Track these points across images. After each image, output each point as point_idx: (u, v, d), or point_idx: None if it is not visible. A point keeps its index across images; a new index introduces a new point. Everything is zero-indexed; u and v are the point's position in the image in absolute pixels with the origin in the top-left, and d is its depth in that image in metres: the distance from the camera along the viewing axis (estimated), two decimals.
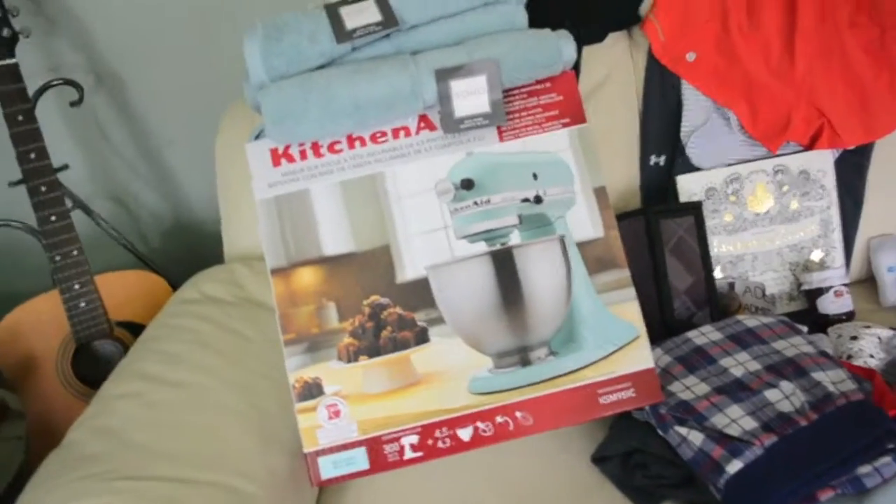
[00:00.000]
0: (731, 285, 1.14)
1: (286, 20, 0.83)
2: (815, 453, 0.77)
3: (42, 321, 1.26)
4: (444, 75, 0.82)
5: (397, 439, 0.84)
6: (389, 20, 0.82)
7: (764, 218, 1.14)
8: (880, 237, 1.18)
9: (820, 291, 1.11)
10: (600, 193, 0.88)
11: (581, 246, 0.87)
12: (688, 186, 1.13)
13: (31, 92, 1.20)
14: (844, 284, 1.11)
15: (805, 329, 0.98)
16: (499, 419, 0.84)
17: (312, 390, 0.85)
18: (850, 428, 0.79)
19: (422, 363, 0.85)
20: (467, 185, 0.85)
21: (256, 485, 0.83)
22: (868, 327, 1.04)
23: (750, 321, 0.98)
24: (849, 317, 1.11)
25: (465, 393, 0.84)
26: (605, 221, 0.87)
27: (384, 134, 0.88)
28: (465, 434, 0.84)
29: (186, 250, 1.63)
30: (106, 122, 1.46)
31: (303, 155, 0.88)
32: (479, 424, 0.84)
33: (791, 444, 0.79)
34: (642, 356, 0.85)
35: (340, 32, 0.81)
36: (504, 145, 0.88)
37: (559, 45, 0.84)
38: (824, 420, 0.82)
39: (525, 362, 0.85)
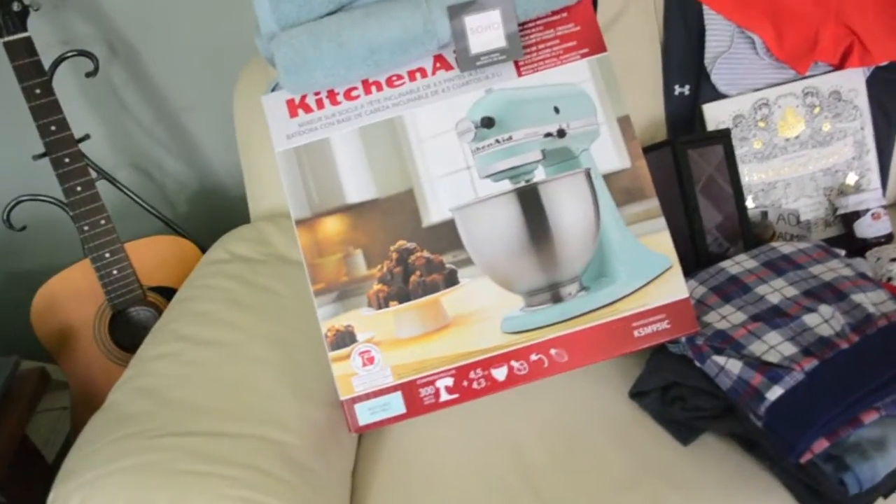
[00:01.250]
0: (765, 214, 1.12)
1: None
2: (858, 376, 0.76)
3: (77, 291, 1.27)
4: (458, 11, 0.80)
5: (432, 382, 0.84)
6: None
7: (795, 143, 1.10)
8: None
9: (857, 215, 1.08)
10: (624, 123, 0.85)
11: (607, 178, 0.85)
12: (715, 115, 1.10)
13: (46, 65, 1.20)
14: (882, 206, 1.08)
15: (843, 253, 0.96)
16: (533, 357, 0.83)
17: (345, 338, 0.85)
18: (892, 348, 0.78)
19: (452, 305, 0.85)
20: (488, 123, 0.83)
21: (296, 435, 0.84)
22: None
23: (785, 247, 0.96)
24: (888, 239, 1.08)
25: (497, 333, 0.84)
26: (630, 151, 0.85)
27: (400, 77, 0.87)
28: (499, 374, 0.84)
29: (212, 214, 1.64)
30: (123, 91, 1.46)
31: (319, 104, 0.87)
32: (514, 363, 0.83)
33: (833, 367, 0.77)
34: (676, 286, 0.84)
35: None
36: (523, 80, 0.86)
37: None
38: (866, 342, 0.80)
39: (557, 299, 0.84)
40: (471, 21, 0.80)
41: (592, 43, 0.86)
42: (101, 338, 1.29)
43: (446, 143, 0.85)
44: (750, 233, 1.07)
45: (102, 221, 1.23)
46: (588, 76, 0.86)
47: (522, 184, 0.84)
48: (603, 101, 0.85)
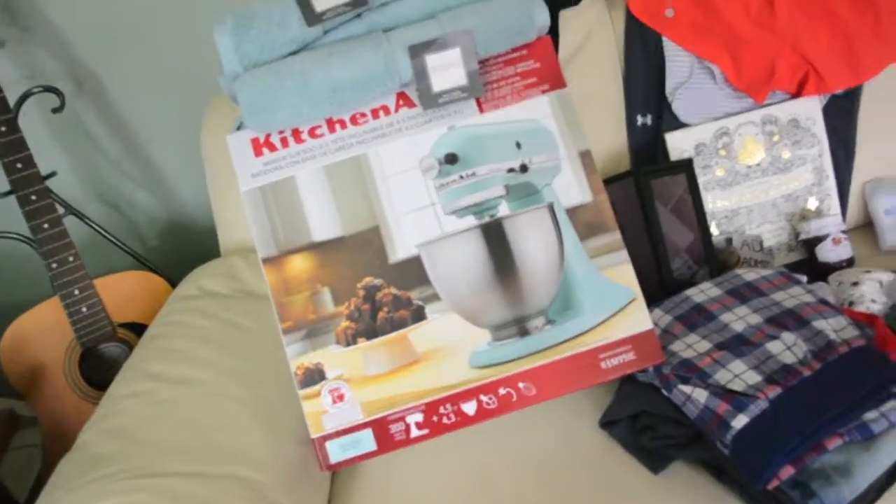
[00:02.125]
0: (729, 240, 1.14)
1: (255, 9, 0.82)
2: (821, 402, 0.77)
3: (46, 328, 1.26)
4: (418, 50, 0.81)
5: (402, 418, 0.84)
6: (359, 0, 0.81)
7: (756, 170, 1.13)
8: (874, 181, 1.17)
9: (818, 240, 1.10)
10: (586, 157, 0.87)
11: (570, 212, 0.86)
12: (677, 144, 1.12)
13: (11, 101, 1.20)
14: (842, 231, 1.10)
15: (804, 279, 0.97)
16: (502, 391, 0.84)
17: (315, 376, 0.85)
18: (853, 374, 0.79)
19: (421, 341, 0.85)
20: (451, 159, 0.84)
21: (268, 473, 0.84)
22: (868, 272, 1.03)
23: (748, 275, 0.98)
24: (849, 263, 1.10)
25: (465, 368, 0.84)
26: (592, 185, 0.87)
27: (364, 115, 0.87)
28: (469, 408, 0.84)
29: (183, 247, 1.63)
30: (90, 125, 1.45)
31: (284, 142, 0.88)
32: (483, 398, 0.84)
33: (796, 395, 0.79)
34: (640, 318, 0.85)
35: (310, 16, 0.80)
36: (485, 116, 0.87)
37: (531, 10, 0.83)
38: (827, 368, 0.82)
39: (523, 333, 0.85)
40: (432, 60, 0.82)
41: (552, 79, 0.87)
42: (72, 375, 1.27)
43: (411, 180, 0.86)
44: (715, 259, 1.08)
45: (71, 258, 1.22)
46: (549, 112, 0.87)
47: (487, 219, 0.85)
48: (564, 136, 0.87)
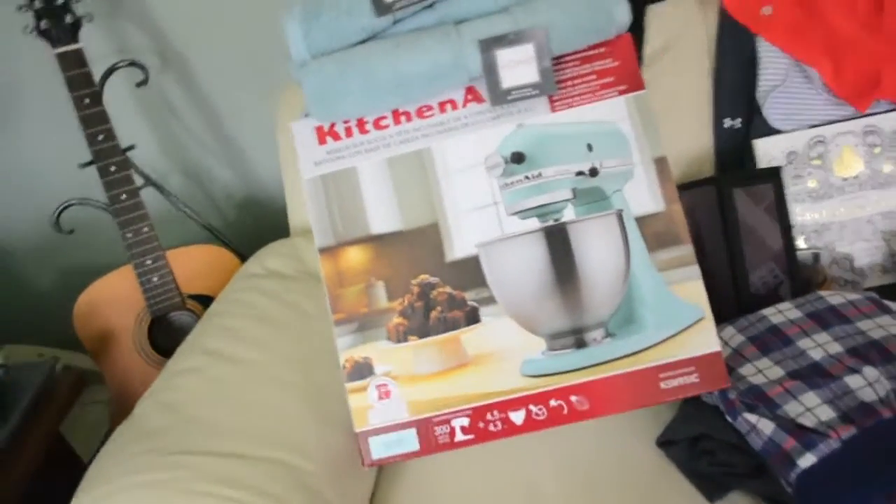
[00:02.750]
0: (816, 256, 1.06)
1: None
2: None
3: (119, 295, 1.30)
4: (489, 45, 0.77)
5: (448, 421, 0.82)
6: None
7: (853, 183, 1.04)
8: None
9: None
10: (661, 164, 0.82)
11: (640, 221, 0.82)
12: (767, 150, 1.04)
13: (98, 74, 1.23)
14: None
15: (894, 307, 0.90)
16: (553, 403, 0.81)
17: (363, 370, 0.84)
18: None
19: (472, 344, 0.83)
20: (518, 158, 0.81)
21: (314, 462, 0.84)
22: None
23: (833, 298, 0.91)
24: None
25: (517, 375, 0.81)
26: (665, 194, 0.82)
27: (430, 108, 0.85)
28: (517, 417, 0.81)
29: (258, 224, 1.65)
30: (174, 100, 1.48)
31: (348, 132, 0.86)
32: (532, 408, 0.81)
33: (872, 438, 0.72)
34: (707, 339, 0.80)
35: (379, 5, 0.78)
36: (556, 115, 0.83)
37: (611, 7, 0.78)
38: None
39: (580, 344, 0.81)
40: (502, 55, 0.78)
41: (630, 79, 0.83)
42: (140, 342, 1.31)
43: (474, 178, 0.83)
44: (798, 275, 1.01)
45: (146, 229, 1.25)
46: (625, 114, 0.82)
47: (551, 223, 0.81)
48: (639, 141, 0.82)
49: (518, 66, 0.79)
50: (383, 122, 0.85)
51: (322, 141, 0.86)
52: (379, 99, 0.81)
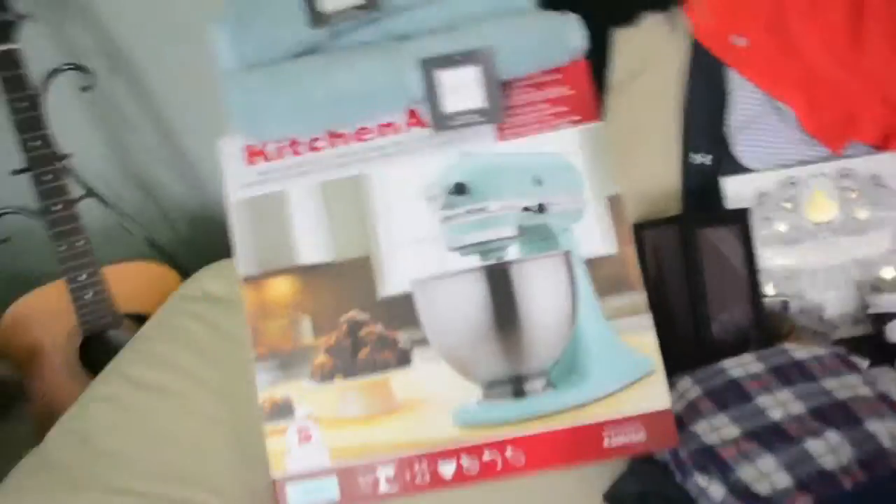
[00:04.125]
0: (785, 305, 1.00)
1: (259, 3, 0.74)
2: None
3: (50, 310, 1.23)
4: (431, 65, 0.71)
5: (372, 470, 0.75)
6: (371, 2, 0.72)
7: (825, 228, 0.98)
8: None
9: (890, 316, 0.96)
10: (614, 203, 0.76)
11: (590, 263, 0.75)
12: (736, 190, 0.98)
13: (41, 77, 1.16)
14: None
15: (866, 364, 0.84)
16: (486, 456, 0.74)
17: (283, 411, 0.77)
18: None
19: (402, 388, 0.76)
20: (460, 189, 0.74)
21: (231, 502, 0.78)
22: None
23: (798, 352, 0.84)
24: None
25: (449, 424, 0.74)
26: (618, 236, 0.75)
27: (369, 130, 0.79)
28: (446, 470, 0.74)
29: (209, 241, 1.57)
30: (123, 107, 1.41)
31: (280, 152, 0.80)
32: (464, 460, 0.74)
33: None
34: (657, 394, 0.74)
35: (315, 16, 0.71)
36: (503, 145, 0.77)
37: (565, 31, 0.73)
38: (874, 485, 0.69)
39: (519, 393, 0.75)
40: (445, 77, 0.72)
41: (585, 109, 0.77)
42: (70, 361, 1.24)
43: (413, 208, 0.77)
44: (764, 324, 0.95)
45: (81, 242, 1.18)
46: (577, 147, 0.76)
47: (493, 261, 0.75)
48: (592, 177, 0.76)
49: (463, 89, 0.73)
50: (318, 144, 0.79)
51: (252, 161, 0.80)
52: (311, 119, 0.75)
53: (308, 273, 0.78)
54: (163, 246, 1.40)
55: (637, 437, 0.73)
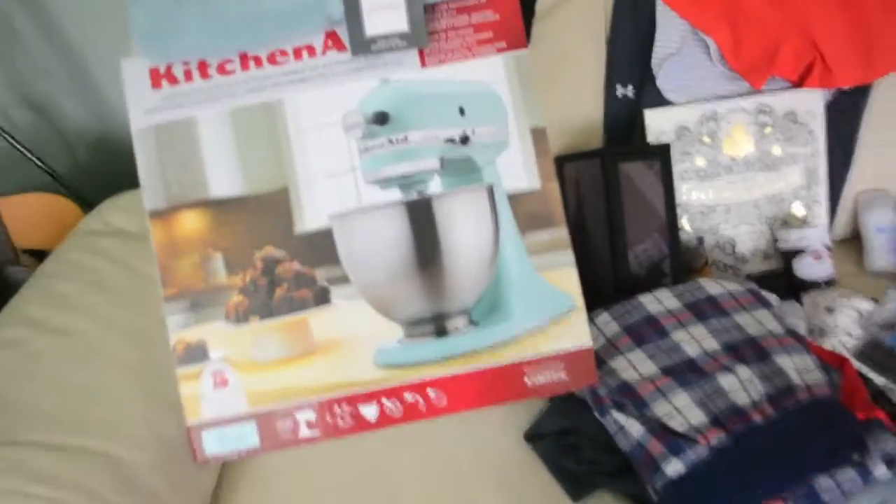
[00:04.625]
0: (700, 240, 1.02)
1: None
2: (768, 458, 0.67)
3: None
4: None
5: (291, 414, 0.73)
6: None
7: (741, 164, 1.00)
8: (869, 192, 1.04)
9: (798, 252, 0.98)
10: (539, 135, 0.73)
11: (512, 198, 0.73)
12: (657, 123, 0.98)
13: None
14: (826, 246, 0.98)
15: (774, 301, 0.86)
16: (408, 397, 0.73)
17: (196, 354, 0.74)
18: (811, 431, 0.69)
19: (321, 328, 0.73)
20: (381, 118, 0.70)
21: (144, 452, 0.74)
22: (847, 297, 0.91)
23: (712, 287, 0.86)
24: (828, 283, 0.98)
25: (370, 365, 0.72)
26: (542, 170, 0.73)
27: (284, 53, 0.73)
28: (369, 412, 0.73)
29: (112, 170, 1.47)
30: (17, 24, 1.28)
31: (188, 75, 0.73)
32: (386, 402, 0.72)
33: (741, 444, 0.68)
34: (578, 332, 0.73)
35: None
36: (426, 71, 0.73)
37: None
38: (782, 418, 0.71)
39: (441, 332, 0.73)
40: None
41: (512, 36, 0.73)
42: None
43: (331, 138, 0.73)
44: (679, 259, 0.96)
45: None
46: (503, 75, 0.73)
47: (414, 195, 0.72)
48: (517, 108, 0.73)
49: (385, 10, 0.68)
50: (229, 67, 0.73)
51: (157, 84, 0.74)
52: (222, 38, 0.69)
53: (220, 207, 0.73)
54: (62, 175, 1.30)
55: (558, 375, 0.73)
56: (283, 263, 0.73)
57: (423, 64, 0.73)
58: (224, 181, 0.74)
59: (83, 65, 1.35)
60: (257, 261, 0.73)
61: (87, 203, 1.20)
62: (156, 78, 0.74)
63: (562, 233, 0.73)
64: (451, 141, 0.72)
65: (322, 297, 0.73)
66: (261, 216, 0.73)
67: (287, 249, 0.73)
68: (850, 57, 0.93)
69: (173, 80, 0.74)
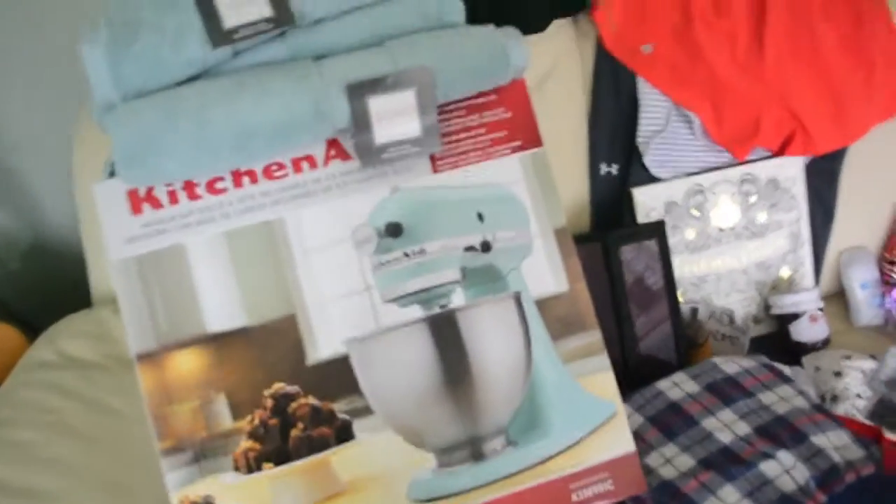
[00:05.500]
0: (695, 311, 1.00)
1: (142, 17, 0.60)
2: None
3: None
4: (360, 91, 0.61)
5: None
6: (283, 15, 0.60)
7: (729, 234, 0.99)
8: (851, 250, 1.05)
9: (793, 316, 0.98)
10: (562, 236, 0.70)
11: (541, 304, 0.69)
12: (645, 200, 0.96)
13: None
14: (819, 308, 0.98)
15: (790, 373, 0.85)
16: None
17: None
18: None
19: (347, 467, 0.67)
20: (394, 230, 0.65)
21: None
22: (849, 358, 0.92)
23: (728, 366, 0.84)
24: (824, 343, 0.98)
25: (404, 501, 0.66)
26: (568, 272, 0.70)
27: (282, 167, 0.67)
28: None
29: (51, 285, 1.34)
30: None
31: (172, 197, 0.66)
32: None
33: None
34: (621, 438, 0.69)
35: (216, 33, 0.59)
36: (439, 177, 0.69)
37: (507, 46, 0.65)
38: (833, 502, 0.68)
39: (477, 457, 0.67)
40: (377, 104, 0.62)
41: (527, 134, 0.70)
42: None
43: (340, 256, 0.67)
44: (683, 337, 0.94)
45: None
46: (520, 176, 0.69)
47: (437, 310, 0.66)
48: (538, 209, 0.69)
49: (395, 117, 0.63)
50: (219, 186, 0.66)
51: (137, 209, 0.66)
52: (215, 156, 0.62)
53: (218, 343, 0.66)
54: None
55: (605, 486, 0.68)
56: (296, 400, 0.66)
57: (435, 169, 0.68)
58: (222, 313, 0.66)
59: (16, 165, 1.24)
60: (266, 399, 0.66)
61: (29, 327, 1.08)
62: (135, 202, 0.66)
63: (595, 335, 0.69)
64: (472, 249, 0.67)
65: (344, 433, 0.66)
66: (267, 349, 0.66)
67: (299, 383, 0.66)
68: (826, 124, 0.94)
69: (156, 204, 0.66)
